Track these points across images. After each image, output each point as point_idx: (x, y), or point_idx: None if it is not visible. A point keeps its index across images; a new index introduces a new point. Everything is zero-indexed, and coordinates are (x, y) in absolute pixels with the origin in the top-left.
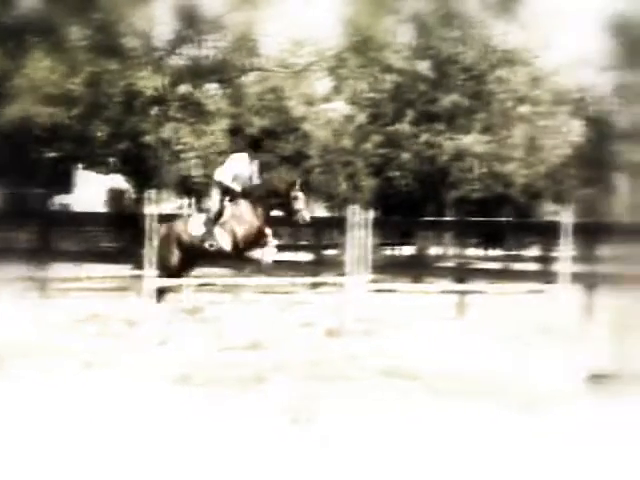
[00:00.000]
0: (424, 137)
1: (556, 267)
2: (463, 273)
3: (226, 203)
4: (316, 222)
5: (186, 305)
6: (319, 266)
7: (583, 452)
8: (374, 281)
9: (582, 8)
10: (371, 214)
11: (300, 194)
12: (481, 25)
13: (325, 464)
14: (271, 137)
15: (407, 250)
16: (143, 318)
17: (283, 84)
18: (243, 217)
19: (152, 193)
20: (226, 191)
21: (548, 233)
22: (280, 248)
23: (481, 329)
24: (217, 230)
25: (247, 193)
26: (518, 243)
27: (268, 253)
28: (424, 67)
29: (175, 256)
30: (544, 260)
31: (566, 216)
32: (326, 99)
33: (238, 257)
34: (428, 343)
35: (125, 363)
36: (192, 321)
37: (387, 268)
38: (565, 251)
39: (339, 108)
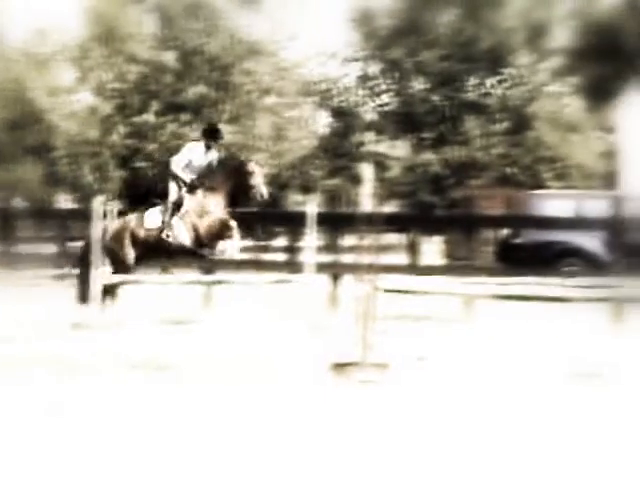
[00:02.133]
0: (170, 128)
1: (302, 257)
2: (211, 263)
3: (184, 194)
4: (61, 214)
5: None
6: (63, 258)
7: (324, 438)
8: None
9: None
10: (118, 205)
11: (257, 169)
12: (226, 16)
13: (74, 457)
14: (14, 129)
15: None
16: None
17: (26, 74)
18: (204, 209)
19: None
20: (180, 181)
21: (295, 223)
22: (23, 240)
23: (229, 318)
24: (175, 222)
25: (204, 181)
26: (266, 233)
27: (231, 246)
28: (169, 58)
29: (128, 252)
30: (291, 250)
31: (312, 206)
32: (71, 90)
33: (199, 251)
34: (176, 334)
35: None
36: None
37: None
38: (310, 241)
39: (84, 99)
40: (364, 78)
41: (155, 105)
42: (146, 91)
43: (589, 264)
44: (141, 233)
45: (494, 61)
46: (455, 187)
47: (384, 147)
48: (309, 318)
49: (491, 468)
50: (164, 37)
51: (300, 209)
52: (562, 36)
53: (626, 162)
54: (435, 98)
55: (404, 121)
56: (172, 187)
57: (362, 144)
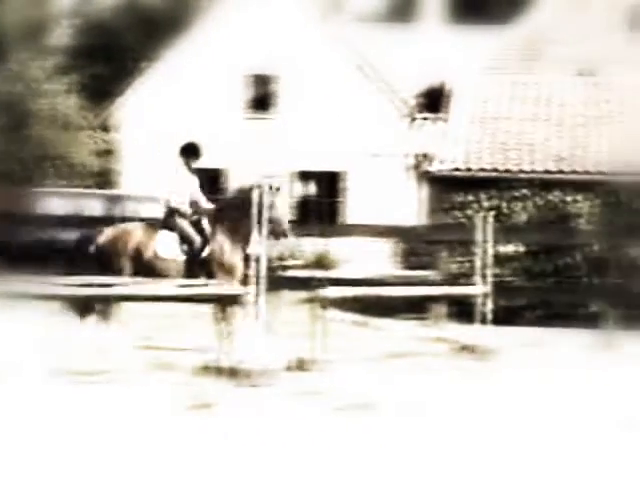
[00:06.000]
0: None
1: None
2: None
3: (206, 231)
4: None
5: None
6: None
7: None
8: None
9: None
10: None
11: (274, 200)
12: None
13: None
14: None
15: None
16: None
17: None
18: (223, 250)
19: None
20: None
21: None
22: None
23: None
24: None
25: (218, 214)
26: None
27: None
28: None
29: (125, 269)
30: None
31: None
32: None
33: None
34: None
35: None
36: None
37: None
38: None
39: None
40: None
41: None
42: None
43: None
44: (148, 255)
45: None
46: None
47: None
48: None
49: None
50: None
51: None
52: (60, 34)
53: (125, 161)
54: None
55: None
56: (184, 227)
57: None
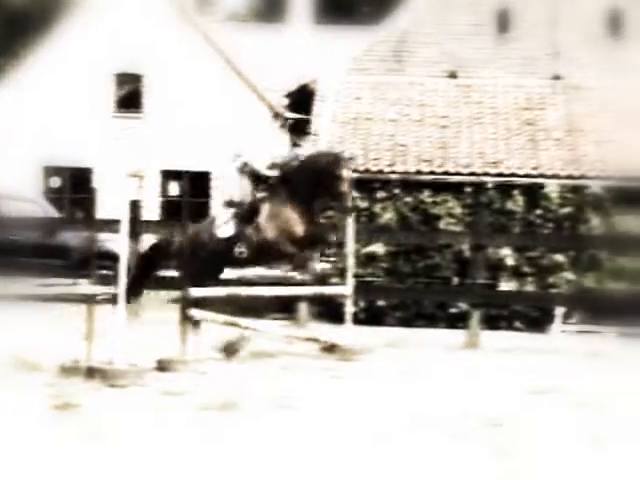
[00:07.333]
0: None
1: None
2: None
3: (260, 196)
4: None
5: None
6: None
7: None
8: None
9: None
10: None
11: (345, 172)
12: None
13: None
14: None
15: None
16: None
17: None
18: (283, 216)
19: None
20: (258, 180)
21: None
22: None
23: None
24: (249, 232)
25: (285, 181)
26: None
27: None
28: None
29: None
30: None
31: None
32: None
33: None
34: None
35: None
36: None
37: None
38: None
39: None
40: None
41: None
42: None
43: None
44: (209, 241)
45: None
46: None
47: None
48: None
49: None
50: None
51: None
52: None
53: None
54: None
55: None
56: (245, 186)
57: None
